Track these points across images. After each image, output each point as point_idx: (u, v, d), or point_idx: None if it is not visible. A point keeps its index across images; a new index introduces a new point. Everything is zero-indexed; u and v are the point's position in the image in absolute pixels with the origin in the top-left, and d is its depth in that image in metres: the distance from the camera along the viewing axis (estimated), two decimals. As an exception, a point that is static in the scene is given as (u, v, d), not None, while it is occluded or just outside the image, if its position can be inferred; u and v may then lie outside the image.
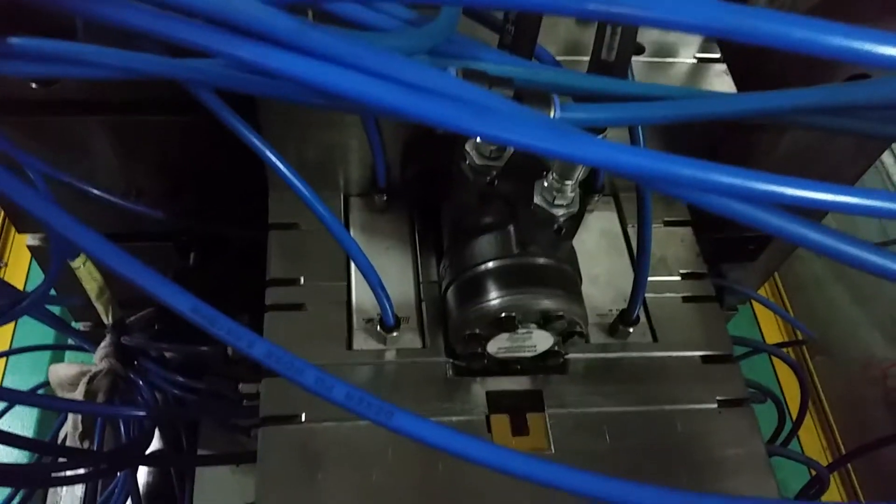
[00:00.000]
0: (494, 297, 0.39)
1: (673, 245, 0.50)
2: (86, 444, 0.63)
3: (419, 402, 0.41)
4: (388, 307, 0.41)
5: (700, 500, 0.27)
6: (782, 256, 0.76)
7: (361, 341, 0.44)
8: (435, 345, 0.44)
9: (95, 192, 0.54)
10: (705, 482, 0.40)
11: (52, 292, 0.65)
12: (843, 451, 1.07)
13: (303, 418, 0.40)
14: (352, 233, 0.48)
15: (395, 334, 0.43)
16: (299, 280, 0.45)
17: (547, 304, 0.38)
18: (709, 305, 0.48)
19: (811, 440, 1.08)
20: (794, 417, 0.71)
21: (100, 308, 0.61)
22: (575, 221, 0.40)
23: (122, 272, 0.28)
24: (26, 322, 0.98)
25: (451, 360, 0.43)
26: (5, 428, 0.48)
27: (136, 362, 0.64)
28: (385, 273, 0.45)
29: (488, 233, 0.40)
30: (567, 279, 0.40)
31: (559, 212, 0.37)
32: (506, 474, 0.27)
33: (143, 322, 0.65)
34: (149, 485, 0.79)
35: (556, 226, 0.38)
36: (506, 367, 0.43)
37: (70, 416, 0.63)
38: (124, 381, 0.63)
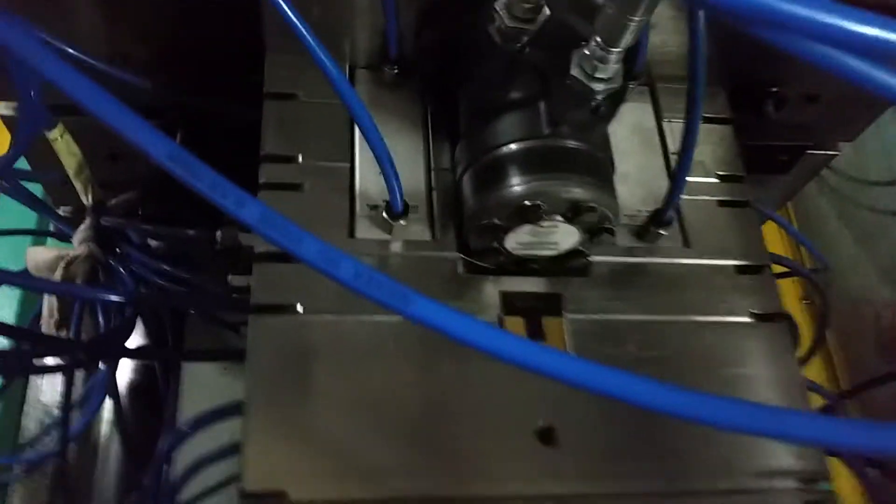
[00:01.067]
0: (519, 182, 0.34)
1: (711, 143, 0.45)
2: (62, 334, 0.60)
3: (426, 299, 0.37)
4: (397, 190, 0.36)
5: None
6: (808, 176, 0.71)
7: (365, 229, 0.39)
8: (445, 238, 0.39)
9: (76, 53, 0.48)
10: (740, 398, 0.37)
11: (28, 168, 0.61)
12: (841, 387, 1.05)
13: (298, 309, 0.36)
14: (358, 110, 0.43)
15: (402, 223, 0.38)
16: (297, 157, 0.40)
17: (578, 192, 0.34)
18: (746, 211, 0.43)
19: (814, 373, 1.06)
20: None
21: (78, 187, 0.57)
22: (615, 101, 0.35)
23: (91, 106, 0.23)
24: (7, 206, 0.93)
25: (462, 256, 0.39)
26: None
27: (117, 249, 0.60)
28: (394, 155, 0.41)
29: (514, 110, 0.35)
30: (601, 168, 0.35)
31: (599, 87, 0.32)
32: (544, 375, 0.23)
33: (126, 205, 0.60)
34: (132, 382, 0.76)
35: (593, 104, 0.33)
36: (523, 266, 0.39)
37: (45, 302, 0.60)
38: (104, 267, 0.59)
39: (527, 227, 0.35)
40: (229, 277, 0.53)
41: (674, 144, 0.44)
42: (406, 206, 0.38)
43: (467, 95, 0.40)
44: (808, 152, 0.59)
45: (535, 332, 0.37)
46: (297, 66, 0.42)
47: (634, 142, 0.44)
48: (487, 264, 0.38)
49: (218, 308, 0.58)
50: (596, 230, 0.36)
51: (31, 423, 0.83)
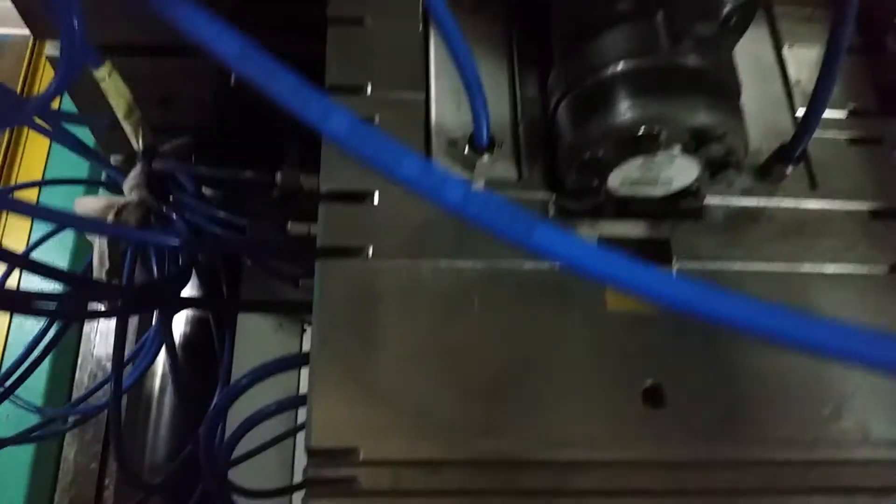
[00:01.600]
0: (633, 106, 0.29)
1: (843, 76, 0.39)
2: (114, 282, 0.57)
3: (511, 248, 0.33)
4: (484, 120, 0.32)
5: None
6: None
7: (444, 166, 0.35)
8: (533, 176, 0.35)
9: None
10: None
11: (76, 111, 0.58)
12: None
13: (370, 253, 0.32)
14: (433, 34, 0.38)
15: (485, 159, 0.34)
16: (365, 88, 0.36)
17: (705, 118, 0.29)
18: (880, 150, 0.37)
19: None
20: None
21: (128, 129, 0.53)
22: (747, 12, 0.29)
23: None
24: (58, 155, 0.92)
25: (554, 196, 0.34)
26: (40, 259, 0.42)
27: (171, 196, 0.57)
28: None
29: (624, 23, 0.30)
30: (729, 92, 0.30)
31: (732, -8, 0.27)
32: (690, 311, 0.18)
33: (179, 151, 0.57)
34: (186, 335, 0.74)
35: (723, 15, 0.28)
36: (623, 208, 0.34)
37: (96, 249, 0.57)
38: (157, 215, 0.56)
39: (638, 161, 0.30)
40: (289, 225, 0.50)
41: (796, 73, 0.38)
42: (492, 139, 0.33)
43: (562, 12, 0.35)
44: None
45: (639, 284, 0.33)
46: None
47: (750, 70, 0.38)
48: (583, 206, 0.34)
49: (276, 257, 0.55)
50: (719, 165, 0.31)
51: (84, 376, 0.83)
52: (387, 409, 0.30)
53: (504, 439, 0.30)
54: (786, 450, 0.30)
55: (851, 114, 0.38)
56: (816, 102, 0.31)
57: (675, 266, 0.33)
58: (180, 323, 0.76)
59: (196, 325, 0.74)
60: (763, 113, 0.37)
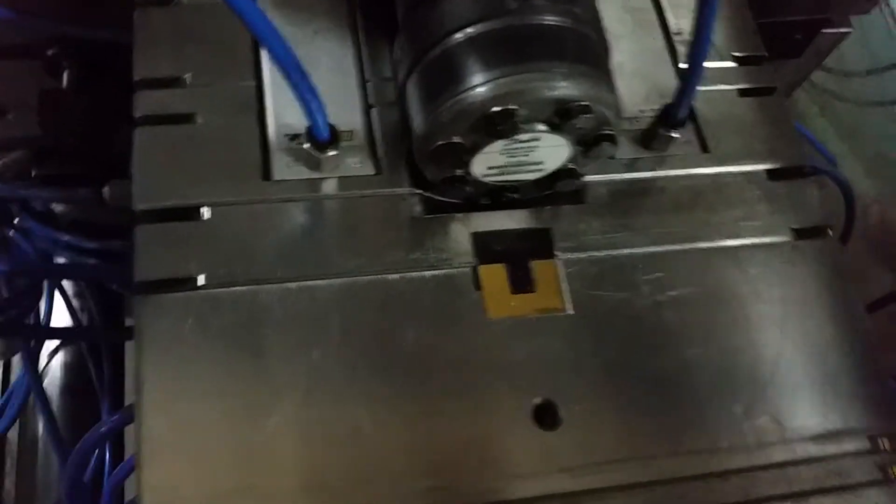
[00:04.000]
0: (481, 80, 0.24)
1: (721, 19, 0.35)
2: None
3: (376, 253, 0.28)
4: (318, 114, 0.26)
5: None
6: (816, 61, 0.62)
7: (284, 168, 0.29)
8: (393, 169, 0.30)
9: None
10: (787, 342, 0.29)
11: None
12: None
13: (200, 281, 0.27)
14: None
15: (332, 153, 0.28)
16: (183, 79, 0.30)
17: (566, 87, 0.24)
18: (773, 100, 0.34)
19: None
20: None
21: (-50, 150, 0.46)
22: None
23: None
24: None
25: (417, 191, 0.29)
26: None
27: (14, 219, 0.49)
28: (315, 67, 0.31)
29: (467, -18, 0.25)
30: (593, 52, 0.26)
31: (584, -67, 0.22)
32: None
33: (16, 167, 0.50)
34: (68, 378, 0.67)
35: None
36: (497, 197, 0.30)
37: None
38: (2, 241, 0.49)
39: (499, 144, 0.26)
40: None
41: (676, 21, 0.34)
42: (335, 132, 0.28)
43: (404, -26, 0.29)
44: (823, 31, 0.50)
45: (522, 280, 0.28)
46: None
47: (627, 23, 0.34)
48: (451, 199, 0.29)
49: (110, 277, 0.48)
50: (592, 140, 0.26)
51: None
52: (235, 472, 0.25)
53: (380, 484, 0.25)
54: (699, 462, 0.27)
55: (739, 62, 0.34)
56: (697, 50, 0.27)
57: (560, 258, 0.29)
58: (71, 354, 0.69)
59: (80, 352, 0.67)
60: (642, 70, 0.33)
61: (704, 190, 0.31)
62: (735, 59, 0.34)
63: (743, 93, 0.33)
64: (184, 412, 0.25)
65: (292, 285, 0.27)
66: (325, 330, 0.27)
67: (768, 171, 0.32)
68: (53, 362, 0.65)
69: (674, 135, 0.30)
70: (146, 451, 0.24)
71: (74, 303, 0.58)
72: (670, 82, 0.33)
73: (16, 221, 0.49)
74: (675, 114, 0.30)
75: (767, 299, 0.30)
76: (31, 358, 0.51)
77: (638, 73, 0.33)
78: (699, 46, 0.27)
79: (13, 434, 0.70)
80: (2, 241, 0.49)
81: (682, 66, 0.33)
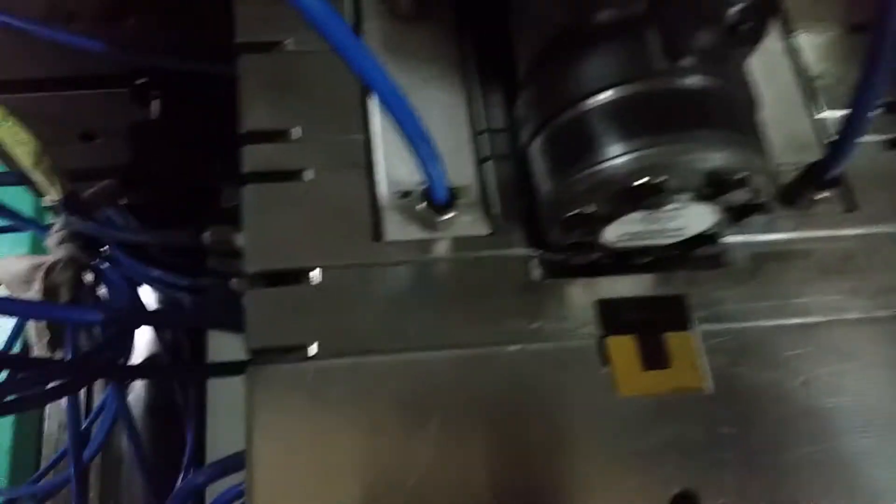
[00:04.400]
0: (625, 150, 0.22)
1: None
2: (58, 354, 0.51)
3: (495, 321, 0.26)
4: (437, 172, 0.25)
5: None
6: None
7: (396, 228, 0.28)
8: (509, 229, 0.28)
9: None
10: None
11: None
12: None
13: (311, 351, 0.26)
14: (370, 57, 0.31)
15: (451, 215, 0.27)
16: (290, 132, 0.29)
17: (721, 158, 0.22)
18: (925, 151, 0.31)
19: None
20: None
21: (41, 180, 0.46)
22: (761, 14, 0.22)
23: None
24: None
25: (536, 252, 0.27)
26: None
27: (103, 248, 0.50)
28: (426, 118, 0.29)
29: (606, 38, 0.23)
30: (747, 118, 0.23)
31: (744, -10, 0.20)
32: None
33: (105, 194, 0.50)
34: (152, 398, 0.68)
35: (728, 21, 0.21)
36: (624, 259, 0.27)
37: (30, 323, 0.50)
38: (94, 271, 0.49)
39: (639, 215, 0.23)
40: (232, 282, 0.43)
41: (813, 64, 0.31)
42: (453, 192, 0.26)
43: (525, 22, 0.28)
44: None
45: (656, 354, 0.26)
46: (276, 4, 0.30)
47: (757, 68, 0.31)
48: (575, 262, 0.27)
49: (218, 321, 0.48)
50: (742, 210, 0.24)
51: (51, 449, 0.76)
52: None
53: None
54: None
55: (888, 108, 0.31)
56: (859, 108, 0.24)
57: (698, 329, 0.26)
58: (142, 384, 0.70)
59: (161, 385, 0.68)
60: (777, 119, 0.30)
61: (854, 253, 0.28)
62: (885, 105, 0.31)
63: (890, 144, 0.30)
64: (295, 488, 0.24)
65: (406, 356, 0.26)
66: (442, 407, 0.25)
67: (925, 230, 0.29)
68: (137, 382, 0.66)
69: (821, 195, 0.27)
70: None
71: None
72: (807, 133, 0.30)
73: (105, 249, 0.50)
74: (822, 173, 0.27)
75: (927, 376, 0.27)
76: (122, 396, 0.51)
77: (771, 122, 0.30)
78: (866, 95, 0.24)
79: (94, 464, 0.71)
80: (99, 274, 0.49)
81: (818, 116, 0.30)
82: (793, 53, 0.32)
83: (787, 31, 0.32)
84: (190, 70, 0.45)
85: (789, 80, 0.31)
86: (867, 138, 0.30)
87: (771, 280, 0.27)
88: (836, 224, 0.28)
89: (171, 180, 0.50)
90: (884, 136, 0.30)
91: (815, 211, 0.29)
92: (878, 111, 0.31)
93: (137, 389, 0.66)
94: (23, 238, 0.74)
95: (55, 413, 0.78)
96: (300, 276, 0.27)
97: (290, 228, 0.27)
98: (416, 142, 0.23)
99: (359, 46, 0.20)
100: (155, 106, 0.49)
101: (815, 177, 0.27)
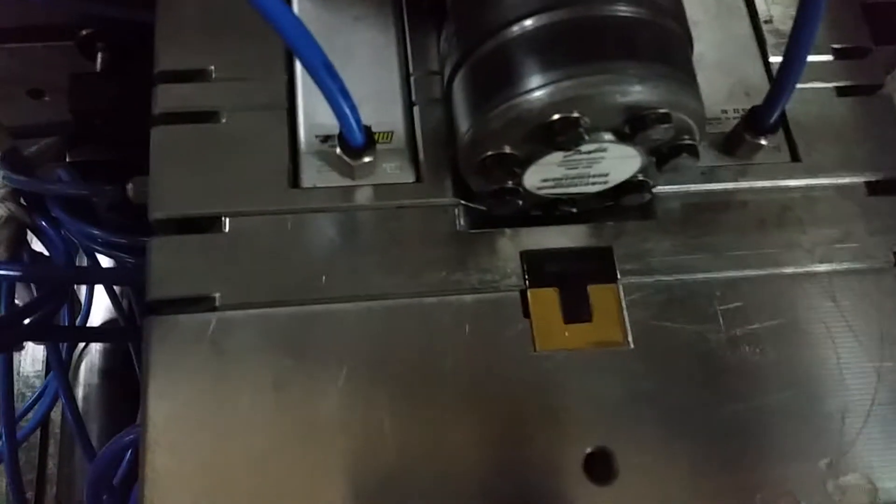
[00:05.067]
0: (540, 83, 0.21)
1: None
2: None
3: (413, 273, 0.25)
4: (349, 114, 0.23)
5: None
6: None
7: (314, 174, 0.26)
8: (436, 176, 0.26)
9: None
10: (884, 387, 0.25)
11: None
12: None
13: (217, 301, 0.24)
14: (295, -6, 0.29)
15: (367, 160, 0.25)
16: (209, 72, 0.27)
17: (641, 92, 0.20)
18: (875, 100, 0.29)
19: None
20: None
21: (-24, 135, 0.44)
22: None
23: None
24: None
25: (462, 202, 0.26)
26: None
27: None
28: (353, 57, 0.28)
29: (526, -36, 0.21)
30: (674, 48, 0.22)
31: None
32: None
33: (50, 151, 0.48)
34: (108, 362, 0.66)
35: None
36: (551, 209, 0.26)
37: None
38: (35, 230, 0.47)
39: (558, 155, 0.22)
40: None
41: (766, 7, 0.30)
42: (371, 135, 0.25)
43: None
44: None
45: (578, 307, 0.25)
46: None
47: (708, 5, 0.30)
48: (498, 213, 0.26)
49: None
50: (669, 150, 0.22)
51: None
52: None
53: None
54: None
55: (838, 55, 0.30)
56: (797, 48, 0.23)
57: (623, 282, 0.25)
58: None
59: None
60: (726, 63, 0.29)
61: (793, 205, 0.27)
62: (834, 51, 0.29)
63: (842, 91, 0.29)
64: (193, 448, 0.23)
65: (318, 308, 0.24)
66: (353, 360, 0.24)
67: (868, 183, 0.28)
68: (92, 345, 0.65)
69: (762, 142, 0.26)
70: (150, 492, 0.22)
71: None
72: (757, 78, 0.29)
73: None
74: (764, 119, 0.25)
75: (863, 336, 0.26)
76: (59, 360, 0.50)
77: (721, 65, 0.29)
78: (801, 39, 0.22)
79: (56, 415, 0.71)
80: (41, 233, 0.48)
81: (773, 59, 0.29)
82: (744, -11, 0.30)
83: (743, -26, 0.31)
84: (134, 19, 0.43)
85: (743, 23, 0.30)
86: (816, 85, 0.29)
87: (704, 232, 0.26)
88: (777, 175, 0.27)
89: (117, 136, 0.48)
90: (834, 84, 0.29)
91: (757, 161, 0.27)
92: (826, 57, 0.29)
93: (92, 354, 0.65)
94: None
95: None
96: (209, 223, 0.25)
97: (200, 173, 0.26)
98: (319, 75, 0.21)
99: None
100: (100, 59, 0.47)
101: (754, 123, 0.26)
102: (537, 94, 0.21)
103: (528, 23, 0.21)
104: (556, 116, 0.20)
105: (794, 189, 0.27)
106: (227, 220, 0.25)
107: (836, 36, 0.30)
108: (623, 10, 0.21)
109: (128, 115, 0.47)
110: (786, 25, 0.29)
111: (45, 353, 0.71)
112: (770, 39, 0.29)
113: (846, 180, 0.28)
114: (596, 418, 0.23)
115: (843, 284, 0.26)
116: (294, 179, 0.26)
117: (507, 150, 0.22)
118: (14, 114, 0.47)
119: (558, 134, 0.21)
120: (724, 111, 0.28)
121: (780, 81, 0.24)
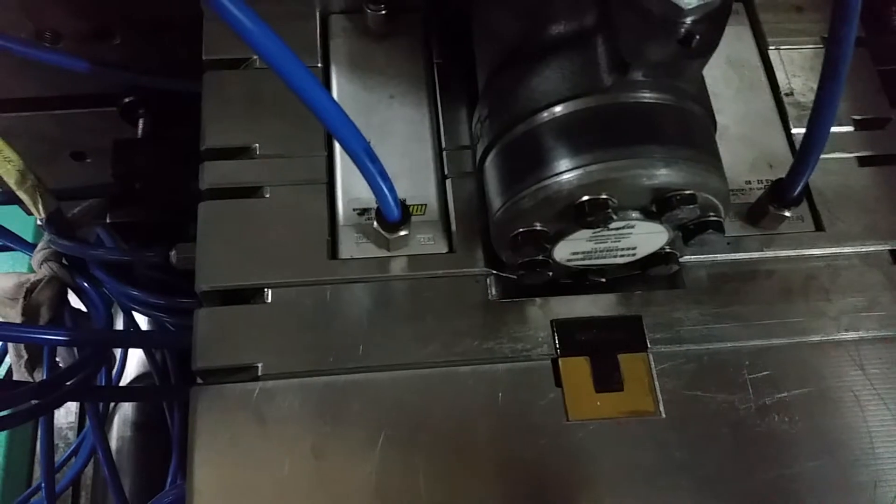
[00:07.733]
0: (570, 166, 0.22)
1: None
2: (37, 376, 0.51)
3: (448, 341, 0.26)
4: (387, 193, 0.24)
5: None
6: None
7: (352, 245, 0.28)
8: (468, 247, 0.28)
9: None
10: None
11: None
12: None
13: (259, 370, 0.25)
14: (334, 72, 0.31)
15: (402, 234, 0.26)
16: (253, 149, 0.29)
17: (666, 175, 0.21)
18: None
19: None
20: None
21: (25, 199, 0.46)
22: (714, 26, 0.22)
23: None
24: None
25: (493, 272, 0.27)
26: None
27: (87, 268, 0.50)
28: (389, 135, 0.29)
29: (557, 53, 0.23)
30: (699, 132, 0.23)
31: (690, 3, 0.19)
32: None
33: (90, 214, 0.50)
34: (141, 416, 0.67)
35: (682, 32, 0.21)
36: (580, 278, 0.27)
37: (10, 345, 0.50)
38: (76, 290, 0.49)
39: (586, 232, 0.23)
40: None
41: (786, 80, 0.31)
42: (407, 210, 0.26)
43: (486, 38, 0.27)
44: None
45: (608, 376, 0.25)
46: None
47: (730, 80, 0.31)
48: (530, 282, 0.27)
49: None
50: (694, 226, 0.23)
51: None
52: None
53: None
54: None
55: (859, 126, 0.30)
56: (819, 123, 0.24)
57: (652, 351, 0.26)
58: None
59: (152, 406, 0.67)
60: (750, 135, 0.30)
61: (818, 274, 0.27)
62: (855, 122, 0.30)
63: (863, 161, 0.30)
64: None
65: (356, 377, 0.25)
66: (389, 428, 0.25)
67: (892, 252, 0.28)
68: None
69: (786, 214, 0.27)
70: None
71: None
72: (780, 149, 0.30)
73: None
74: (788, 191, 0.26)
75: (893, 404, 0.26)
76: (97, 418, 0.51)
77: (744, 138, 0.30)
78: (822, 115, 0.23)
79: (88, 469, 0.71)
80: (81, 293, 0.49)
81: (795, 131, 0.30)
82: (768, 68, 0.31)
83: (763, 46, 0.32)
84: (174, 89, 0.45)
85: (764, 95, 0.31)
86: (838, 155, 0.30)
87: (732, 301, 0.27)
88: (802, 244, 0.28)
89: (156, 198, 0.50)
90: (856, 154, 0.30)
91: (781, 231, 0.28)
92: (847, 128, 0.30)
93: (126, 407, 0.66)
94: (23, 258, 0.75)
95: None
96: (252, 294, 0.27)
97: (244, 246, 0.27)
98: (360, 160, 0.23)
99: (292, 60, 0.20)
100: (141, 124, 0.49)
101: (778, 195, 0.26)
102: (567, 176, 0.22)
103: (558, 109, 0.22)
104: (585, 198, 0.21)
105: (818, 258, 0.28)
106: (270, 291, 0.26)
107: (856, 107, 0.31)
108: (647, 97, 0.22)
109: (166, 178, 0.50)
110: (806, 98, 0.30)
111: (78, 405, 0.72)
112: (792, 112, 0.30)
113: (870, 249, 0.28)
114: (629, 488, 0.24)
115: (870, 352, 0.26)
116: (333, 251, 0.27)
117: (538, 226, 0.23)
118: (57, 176, 0.49)
119: (587, 214, 0.22)
120: (748, 182, 0.29)
121: (803, 156, 0.24)
